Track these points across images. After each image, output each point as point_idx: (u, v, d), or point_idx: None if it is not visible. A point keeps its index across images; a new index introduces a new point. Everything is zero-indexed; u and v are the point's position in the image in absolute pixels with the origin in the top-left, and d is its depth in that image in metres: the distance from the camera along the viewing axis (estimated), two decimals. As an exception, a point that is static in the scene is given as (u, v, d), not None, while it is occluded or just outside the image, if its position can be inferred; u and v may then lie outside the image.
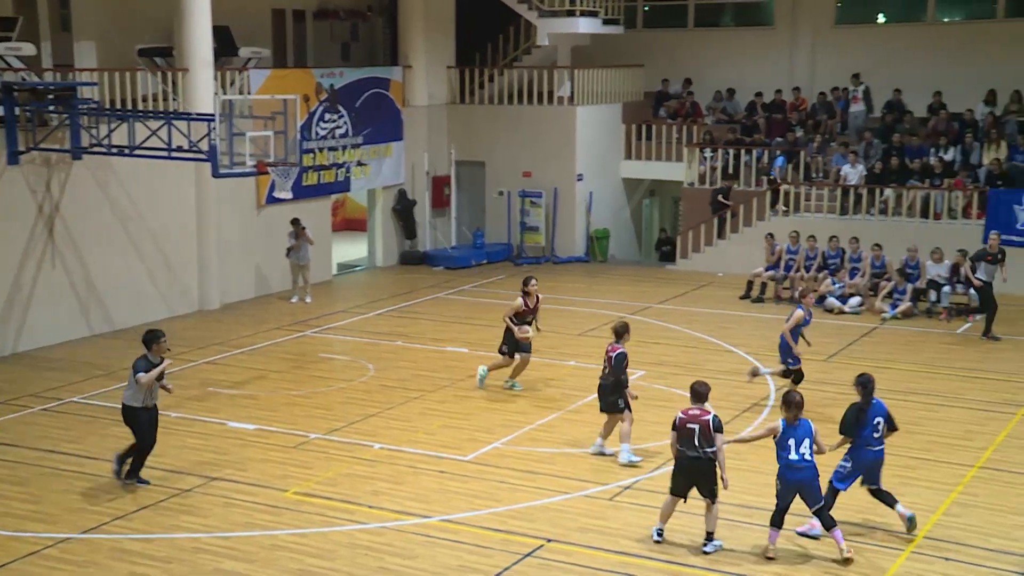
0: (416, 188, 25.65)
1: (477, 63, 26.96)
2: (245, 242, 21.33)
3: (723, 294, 21.84)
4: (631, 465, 12.49)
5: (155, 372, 11.59)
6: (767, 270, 21.41)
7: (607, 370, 12.76)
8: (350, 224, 29.27)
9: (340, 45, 26.11)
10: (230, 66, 21.17)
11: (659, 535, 10.58)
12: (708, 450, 10.22)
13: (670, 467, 12.30)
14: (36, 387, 15.59)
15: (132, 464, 11.91)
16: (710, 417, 10.26)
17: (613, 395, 12.70)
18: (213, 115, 16.02)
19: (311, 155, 22.46)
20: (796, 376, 14.49)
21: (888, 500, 10.70)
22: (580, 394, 15.24)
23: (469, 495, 11.69)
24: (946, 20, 26.28)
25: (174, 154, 16.61)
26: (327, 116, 23.06)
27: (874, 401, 10.66)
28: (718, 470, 10.31)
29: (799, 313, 14.43)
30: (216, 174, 16.09)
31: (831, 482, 10.60)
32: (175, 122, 16.77)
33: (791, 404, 10.24)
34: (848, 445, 10.62)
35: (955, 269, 19.81)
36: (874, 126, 24.61)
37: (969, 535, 10.66)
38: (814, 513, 10.30)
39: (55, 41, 19.70)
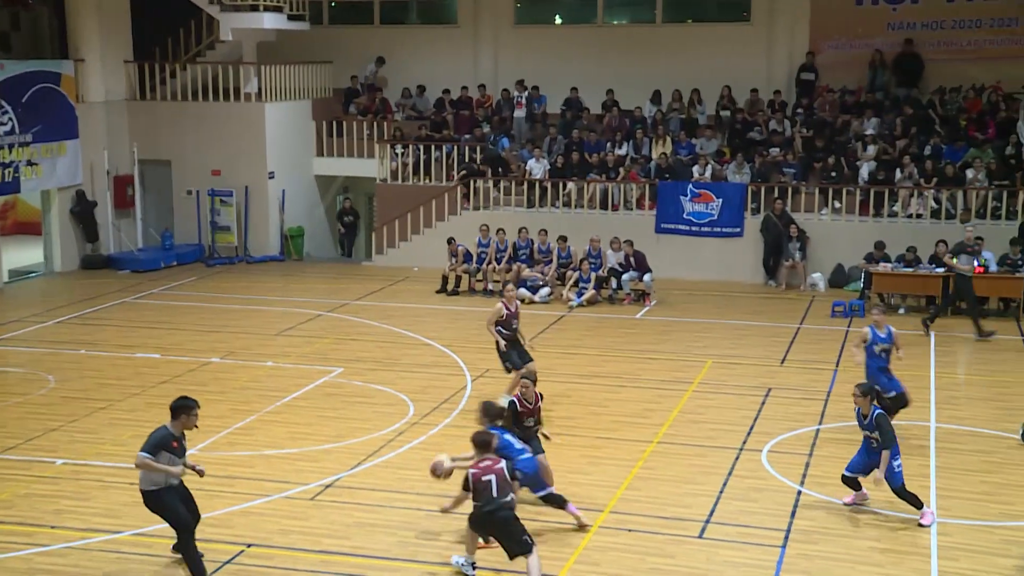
0: (96, 188, 24.30)
1: (157, 57, 25.89)
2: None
3: (419, 288, 22.21)
4: None
5: (171, 469, 9.41)
6: (462, 263, 21.95)
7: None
8: (23, 227, 27.28)
9: (-1, 35, 24.30)
10: None
11: (472, 567, 9.92)
12: (506, 500, 9.50)
13: (373, 463, 12.51)
14: None
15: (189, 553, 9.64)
16: (503, 465, 9.62)
17: None
18: None
19: (-27, 154, 20.79)
20: (895, 403, 13.05)
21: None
22: (279, 395, 15.06)
23: (163, 506, 11.26)
24: (614, 23, 27.93)
25: None
26: (-11, 112, 21.44)
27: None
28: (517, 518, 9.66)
29: (864, 331, 13.42)
30: None
31: (902, 486, 10.87)
32: None
33: (501, 412, 10.77)
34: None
35: (627, 258, 21.15)
36: (555, 122, 25.79)
37: (649, 506, 11.45)
38: (549, 499, 10.73)
39: None
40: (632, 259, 21.12)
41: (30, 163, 22.47)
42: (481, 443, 9.79)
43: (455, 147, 25.09)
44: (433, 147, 25.13)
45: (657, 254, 21.96)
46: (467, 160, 24.73)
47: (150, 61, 25.48)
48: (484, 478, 9.50)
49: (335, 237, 27.15)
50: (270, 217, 25.10)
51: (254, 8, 24.87)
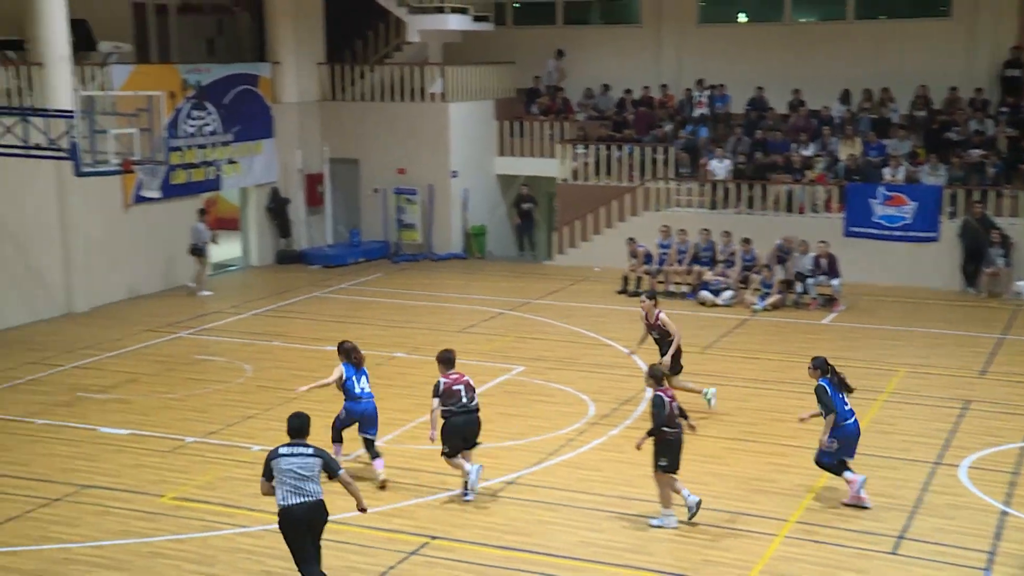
0: (289, 186, 25.28)
1: (348, 59, 26.72)
2: (113, 243, 20.67)
3: (600, 288, 22.16)
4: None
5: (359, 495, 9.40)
6: (647, 262, 21.77)
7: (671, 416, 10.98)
8: (223, 223, 28.55)
9: (205, 41, 25.55)
10: (89, 61, 20.47)
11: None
12: (473, 404, 11.52)
13: (554, 462, 12.56)
14: None
15: None
16: (468, 377, 11.60)
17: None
18: (73, 111, 15.46)
19: (179, 153, 21.93)
20: None
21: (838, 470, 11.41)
22: (460, 391, 15.24)
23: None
24: (802, 20, 27.20)
25: (33, 152, 15.98)
26: (195, 113, 22.55)
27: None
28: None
29: None
30: (79, 173, 15.56)
31: (817, 460, 11.44)
32: (32, 118, 16.12)
33: (351, 351, 12.10)
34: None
35: (818, 261, 20.51)
36: (739, 122, 25.31)
37: (837, 518, 11.06)
38: (368, 444, 11.99)
39: None
40: (824, 261, 20.46)
41: (230, 161, 23.57)
42: (445, 360, 11.61)
43: (636, 147, 24.92)
44: (614, 146, 25.04)
45: (845, 258, 21.20)
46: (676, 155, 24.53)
47: (341, 63, 26.32)
48: (455, 387, 11.44)
49: (517, 236, 27.35)
50: (453, 215, 25.55)
51: (440, 10, 25.35)
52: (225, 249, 25.58)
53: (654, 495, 11.55)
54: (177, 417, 14.15)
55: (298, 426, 9.26)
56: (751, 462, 12.52)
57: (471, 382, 11.58)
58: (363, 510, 9.35)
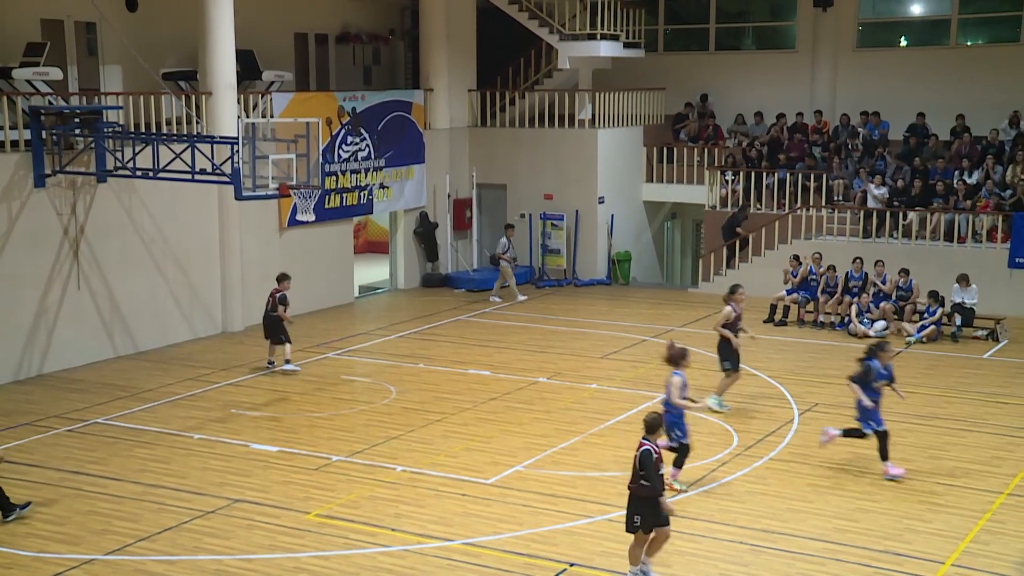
0: (438, 211, 25.72)
1: (498, 86, 27.06)
2: (268, 264, 21.35)
3: (745, 317, 21.60)
4: None
5: None
6: (789, 293, 21.30)
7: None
8: (372, 247, 29.36)
9: (362, 69, 26.29)
10: (253, 89, 21.32)
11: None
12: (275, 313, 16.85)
13: (695, 492, 12.34)
14: (60, 408, 15.66)
15: None
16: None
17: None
18: (236, 138, 16.09)
19: (333, 178, 22.57)
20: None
21: None
22: (602, 417, 15.20)
23: (491, 518, 11.65)
24: (969, 44, 26.23)
25: (197, 177, 16.68)
26: (349, 139, 23.18)
27: None
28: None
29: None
30: (239, 197, 16.13)
31: None
32: (198, 145, 16.85)
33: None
34: None
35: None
36: (897, 149, 24.56)
37: (997, 563, 10.52)
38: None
39: (81, 65, 19.91)
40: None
41: (382, 186, 24.12)
42: (282, 278, 17.43)
43: (788, 174, 24.43)
44: (765, 174, 24.61)
45: (1010, 290, 20.30)
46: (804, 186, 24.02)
47: (491, 89, 26.69)
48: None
49: (662, 263, 27.14)
50: (598, 241, 25.52)
51: (592, 37, 25.44)
52: (374, 272, 26.20)
53: (801, 530, 11.25)
54: (324, 436, 14.49)
55: None
56: (906, 500, 12.05)
57: (285, 297, 17.33)
58: None
